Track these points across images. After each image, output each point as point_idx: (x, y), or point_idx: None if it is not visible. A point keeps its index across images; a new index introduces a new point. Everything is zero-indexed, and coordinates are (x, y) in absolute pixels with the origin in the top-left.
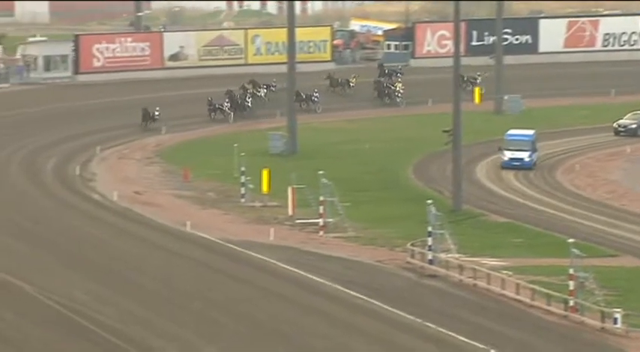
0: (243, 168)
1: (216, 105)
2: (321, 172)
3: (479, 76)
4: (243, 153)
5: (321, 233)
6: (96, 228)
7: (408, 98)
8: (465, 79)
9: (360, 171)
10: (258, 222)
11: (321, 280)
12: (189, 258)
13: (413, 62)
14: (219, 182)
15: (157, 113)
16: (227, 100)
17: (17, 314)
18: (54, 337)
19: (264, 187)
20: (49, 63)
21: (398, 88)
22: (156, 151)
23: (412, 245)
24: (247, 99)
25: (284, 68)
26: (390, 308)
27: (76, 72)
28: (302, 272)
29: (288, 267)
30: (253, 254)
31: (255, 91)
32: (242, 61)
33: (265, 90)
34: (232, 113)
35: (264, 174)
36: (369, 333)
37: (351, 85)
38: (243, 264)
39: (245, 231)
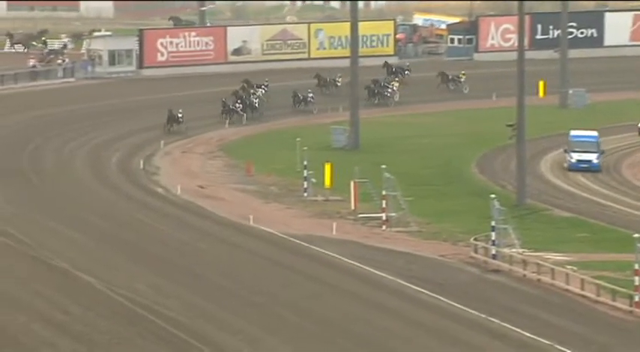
0: (305, 162)
1: (230, 107)
2: (383, 166)
3: (463, 74)
4: (305, 147)
5: (384, 227)
6: (159, 221)
7: (473, 92)
8: (450, 78)
9: (422, 165)
10: (321, 217)
11: (384, 275)
12: (252, 252)
13: (476, 56)
14: (282, 176)
15: (180, 115)
16: (238, 101)
17: (83, 308)
18: (119, 330)
19: (327, 181)
20: (113, 57)
21: (394, 88)
22: (219, 145)
23: (475, 239)
24: (255, 99)
25: (347, 62)
26: (453, 304)
27: (141, 66)
28: (365, 267)
29: (350, 262)
30: (316, 248)
31: (252, 91)
32: (305, 56)
33: (260, 90)
34: (244, 114)
35: (327, 168)
36: (433, 328)
37: (338, 84)
38: (306, 259)
39: (307, 226)
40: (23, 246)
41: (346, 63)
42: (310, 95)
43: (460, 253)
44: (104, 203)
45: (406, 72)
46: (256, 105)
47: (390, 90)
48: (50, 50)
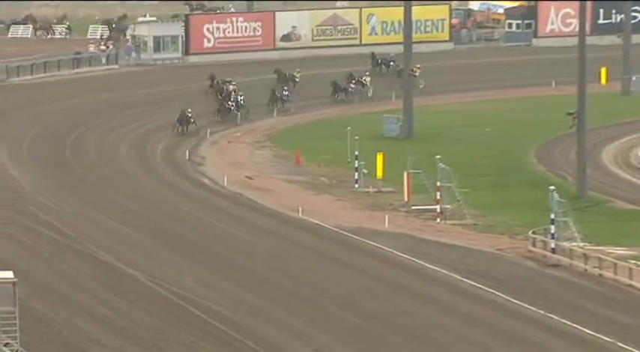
0: (356, 152)
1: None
2: (438, 156)
3: (418, 68)
4: (356, 137)
5: (438, 220)
6: (205, 213)
7: (533, 78)
8: (379, 61)
9: (479, 156)
10: (373, 209)
11: (438, 269)
12: (301, 245)
13: (535, 41)
14: (332, 166)
15: (190, 114)
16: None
17: (128, 303)
18: (164, 326)
19: (379, 172)
20: (159, 44)
21: (366, 82)
22: (267, 135)
23: (534, 233)
24: (239, 97)
25: (400, 48)
26: (511, 299)
27: (187, 53)
28: (418, 261)
29: (403, 256)
30: (367, 241)
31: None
32: (356, 41)
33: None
34: (239, 113)
35: (379, 158)
36: (489, 325)
37: (297, 80)
38: (357, 252)
39: (359, 218)
40: (66, 238)
41: (399, 49)
42: (286, 92)
43: (518, 247)
44: (149, 194)
45: (391, 63)
46: (242, 103)
47: (352, 86)
48: (112, 34)
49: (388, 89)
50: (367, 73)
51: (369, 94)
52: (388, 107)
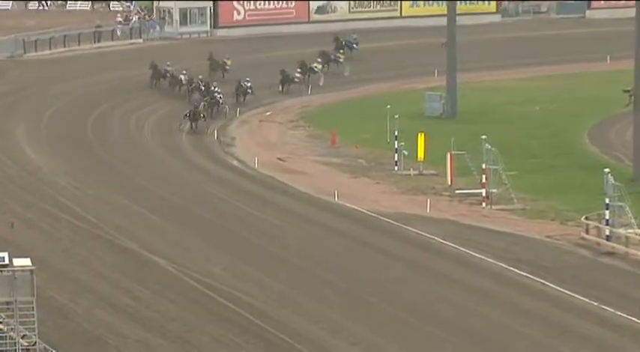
0: (396, 132)
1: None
2: (483, 137)
3: (342, 53)
4: (396, 116)
5: (484, 205)
6: (235, 197)
7: (585, 54)
8: (343, 44)
9: (528, 136)
10: (414, 193)
11: (483, 257)
12: (337, 232)
13: (589, 13)
14: (370, 147)
15: (168, 68)
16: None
17: (153, 292)
18: (191, 317)
19: (420, 154)
20: (185, 16)
21: (318, 70)
22: (300, 114)
23: (587, 219)
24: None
25: (443, 21)
26: (561, 289)
27: (215, 26)
28: (462, 249)
29: (446, 243)
30: (408, 228)
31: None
32: (396, 14)
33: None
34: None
35: (420, 139)
36: (538, 316)
37: (227, 68)
38: (397, 239)
39: (399, 203)
40: (87, 224)
41: (442, 22)
42: (248, 83)
43: (569, 234)
44: (176, 177)
45: (354, 46)
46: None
47: (297, 76)
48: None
49: (341, 76)
50: (318, 60)
51: (321, 83)
52: (431, 84)
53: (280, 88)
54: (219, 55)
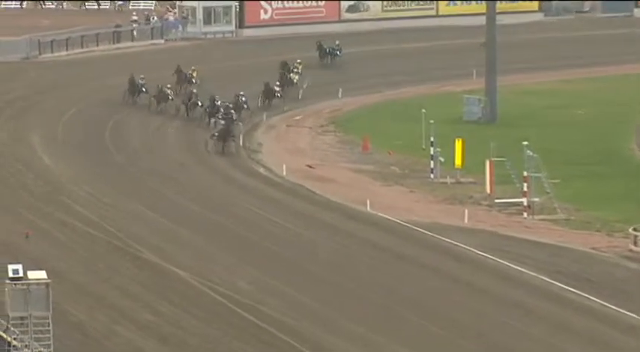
0: (432, 138)
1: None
2: (525, 143)
3: (299, 63)
4: (432, 120)
5: (525, 215)
6: (262, 207)
7: (632, 55)
8: (328, 51)
9: (571, 141)
10: (450, 202)
11: (525, 270)
12: (369, 243)
13: (637, 12)
14: (405, 154)
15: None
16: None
17: (176, 307)
18: (215, 333)
19: (458, 160)
20: (209, 15)
21: (295, 82)
22: (331, 118)
23: (635, 230)
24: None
25: (482, 20)
26: (607, 305)
27: (241, 25)
28: (501, 261)
29: (484, 255)
30: (444, 239)
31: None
32: (432, 13)
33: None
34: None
35: (458, 145)
36: (581, 333)
37: (194, 81)
38: (432, 251)
39: (434, 212)
40: (105, 234)
41: (481, 21)
42: (277, 88)
43: (616, 245)
44: (199, 185)
45: (337, 53)
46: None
47: (277, 90)
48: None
49: (328, 85)
50: (295, 70)
51: (299, 96)
52: (469, 86)
53: (259, 103)
54: (218, 61)
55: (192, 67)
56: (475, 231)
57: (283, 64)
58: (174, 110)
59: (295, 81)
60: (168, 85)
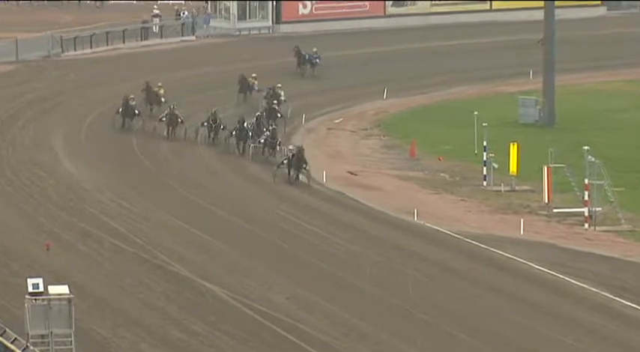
0: (485, 143)
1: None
2: (586, 148)
3: (315, 52)
4: (485, 124)
5: (586, 226)
6: (301, 216)
7: None
8: (307, 58)
9: (637, 147)
10: (505, 212)
11: (585, 286)
12: (417, 256)
13: None
14: (455, 160)
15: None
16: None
17: (207, 324)
18: None
19: (513, 167)
20: (244, 10)
21: (277, 107)
22: (375, 121)
23: None
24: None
25: (540, 15)
26: None
27: (278, 21)
28: (560, 276)
29: (542, 269)
30: (498, 251)
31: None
32: (486, 7)
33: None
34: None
35: (513, 149)
36: None
37: (162, 99)
38: (485, 264)
39: (488, 223)
40: (132, 246)
41: (539, 16)
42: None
43: None
44: (233, 193)
45: (316, 60)
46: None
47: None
48: None
49: (369, 85)
50: (273, 93)
51: (288, 115)
52: (525, 87)
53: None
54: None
55: (159, 84)
56: (532, 244)
57: (242, 79)
58: (194, 134)
59: (277, 108)
60: (173, 105)
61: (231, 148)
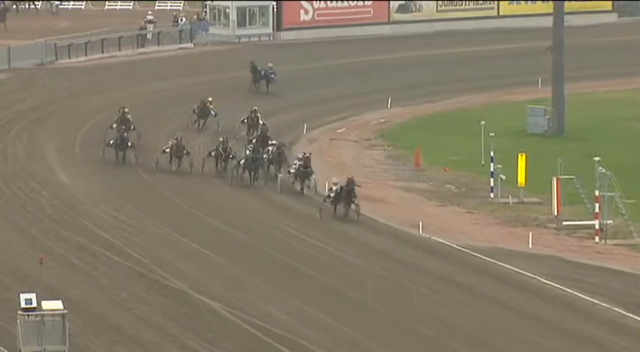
0: (492, 153)
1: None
2: (597, 158)
3: (270, 67)
4: (492, 134)
5: (597, 239)
6: (301, 229)
7: None
8: (263, 74)
9: None
10: (513, 224)
11: (596, 301)
12: (422, 270)
13: None
14: (461, 171)
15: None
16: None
17: (206, 341)
18: None
19: (521, 178)
20: (244, 16)
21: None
22: (379, 130)
23: None
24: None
25: (549, 21)
26: None
27: (279, 28)
28: (570, 291)
29: (551, 284)
30: (505, 266)
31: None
32: (493, 13)
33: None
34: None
35: (521, 160)
36: None
37: (132, 127)
38: (492, 279)
39: (495, 236)
40: (128, 260)
41: (548, 22)
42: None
43: None
44: (232, 205)
45: (271, 76)
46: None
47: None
48: None
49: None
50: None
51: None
52: (533, 95)
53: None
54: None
55: (126, 109)
56: (540, 257)
57: (202, 104)
58: (200, 166)
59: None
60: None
61: (245, 181)
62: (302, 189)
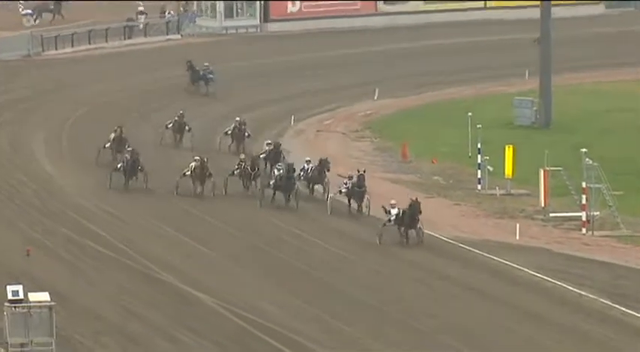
0: (479, 145)
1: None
2: (583, 150)
3: (207, 67)
4: (479, 125)
5: (584, 231)
6: (293, 223)
7: None
8: (201, 74)
9: (636, 149)
10: (500, 216)
11: (584, 293)
12: (410, 263)
13: None
14: (449, 162)
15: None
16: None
17: (195, 334)
18: None
19: (508, 170)
20: (230, 8)
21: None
22: (366, 122)
23: None
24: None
25: (536, 13)
26: None
27: (266, 19)
28: (558, 283)
29: (538, 275)
30: (493, 257)
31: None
32: (480, 5)
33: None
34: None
35: (508, 152)
36: None
37: (127, 147)
38: (480, 271)
39: (482, 228)
40: (115, 253)
41: (534, 14)
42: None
43: None
44: (221, 199)
45: (209, 76)
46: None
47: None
48: None
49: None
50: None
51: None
52: (520, 87)
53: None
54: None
55: (122, 128)
56: (528, 249)
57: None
58: (223, 188)
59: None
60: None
61: (276, 201)
62: (359, 208)
